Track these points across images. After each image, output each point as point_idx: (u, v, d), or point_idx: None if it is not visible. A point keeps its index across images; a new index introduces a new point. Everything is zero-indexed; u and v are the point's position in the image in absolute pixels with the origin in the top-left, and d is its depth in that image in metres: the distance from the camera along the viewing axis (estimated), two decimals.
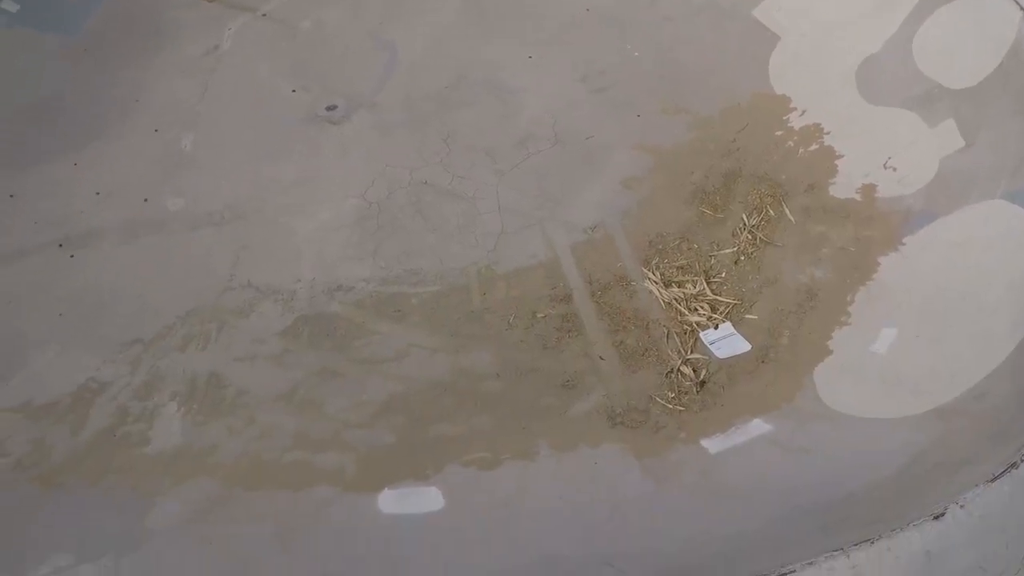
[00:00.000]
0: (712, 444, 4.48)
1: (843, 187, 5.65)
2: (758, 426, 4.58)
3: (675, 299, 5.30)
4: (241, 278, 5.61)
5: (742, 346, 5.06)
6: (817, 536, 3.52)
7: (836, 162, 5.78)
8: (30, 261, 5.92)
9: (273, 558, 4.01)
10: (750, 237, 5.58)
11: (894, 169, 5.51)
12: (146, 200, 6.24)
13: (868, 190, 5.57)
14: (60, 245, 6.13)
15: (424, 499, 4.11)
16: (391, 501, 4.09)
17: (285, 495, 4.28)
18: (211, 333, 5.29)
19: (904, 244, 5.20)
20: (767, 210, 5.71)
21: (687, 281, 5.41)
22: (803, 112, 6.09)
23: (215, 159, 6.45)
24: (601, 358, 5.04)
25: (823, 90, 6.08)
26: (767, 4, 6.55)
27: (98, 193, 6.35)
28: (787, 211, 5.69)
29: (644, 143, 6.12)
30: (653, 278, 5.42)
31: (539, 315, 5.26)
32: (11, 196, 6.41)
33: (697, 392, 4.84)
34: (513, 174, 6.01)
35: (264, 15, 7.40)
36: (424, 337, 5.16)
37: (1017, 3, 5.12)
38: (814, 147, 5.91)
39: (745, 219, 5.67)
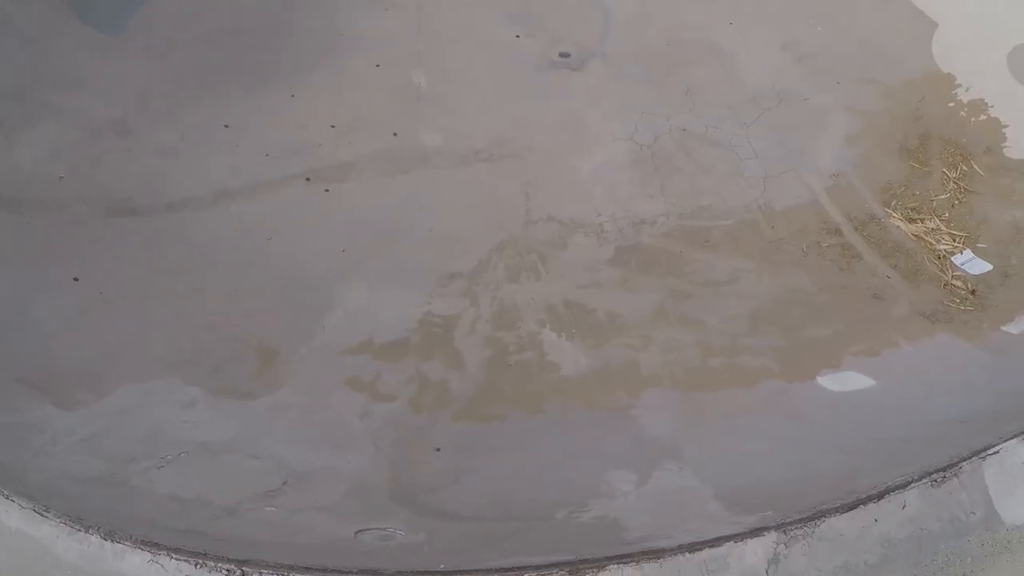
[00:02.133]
0: (1013, 328, 5.66)
1: (1015, 149, 7.06)
2: None
3: (922, 233, 6.45)
4: (539, 212, 6.06)
5: (985, 266, 6.30)
6: None
7: (1004, 130, 7.19)
8: (280, 194, 6.04)
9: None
10: (956, 186, 6.86)
11: None
12: (396, 135, 6.48)
13: None
14: (308, 179, 6.27)
15: (855, 380, 4.93)
16: (832, 382, 4.87)
17: (737, 391, 4.90)
18: (536, 264, 5.72)
19: None
20: (961, 166, 7.02)
21: (924, 219, 6.58)
22: (967, 88, 7.48)
23: (459, 98, 6.82)
24: (888, 276, 6.07)
25: (981, 70, 7.50)
26: None
27: (333, 126, 6.51)
28: (975, 167, 7.02)
29: (853, 106, 7.25)
30: (897, 217, 6.54)
31: (823, 245, 6.21)
32: (225, 126, 6.45)
33: (974, 297, 6.01)
34: (756, 126, 6.90)
35: None
36: (743, 262, 5.93)
37: None
38: (983, 117, 7.29)
39: (947, 172, 6.95)
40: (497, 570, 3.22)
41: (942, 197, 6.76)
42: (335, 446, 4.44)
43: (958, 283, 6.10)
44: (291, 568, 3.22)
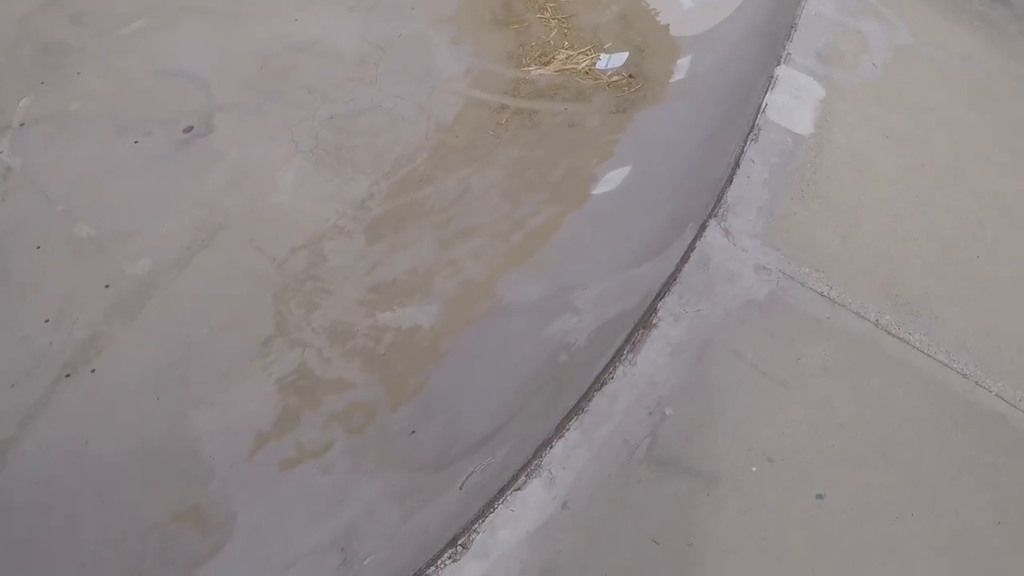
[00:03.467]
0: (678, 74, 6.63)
1: None
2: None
3: (561, 67, 7.27)
4: (279, 253, 6.06)
5: (622, 56, 7.26)
6: None
7: None
8: (54, 404, 5.48)
9: None
10: (555, 22, 7.78)
11: None
12: (107, 286, 6.15)
13: None
14: (68, 375, 5.83)
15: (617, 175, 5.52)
16: (604, 186, 5.43)
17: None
18: (318, 288, 5.73)
19: None
20: (547, 5, 7.97)
21: (554, 56, 7.41)
22: None
23: (131, 218, 6.61)
24: (566, 109, 6.79)
25: None
26: None
27: (47, 321, 6.07)
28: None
29: (435, 17, 7.91)
30: (534, 68, 7.30)
31: (503, 122, 6.79)
32: None
33: (634, 78, 6.92)
34: (380, 80, 7.30)
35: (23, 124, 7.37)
36: (461, 173, 6.33)
37: None
38: None
39: (540, 15, 7.85)
40: None
41: (553, 34, 7.60)
42: None
43: (616, 78, 6.95)
44: None
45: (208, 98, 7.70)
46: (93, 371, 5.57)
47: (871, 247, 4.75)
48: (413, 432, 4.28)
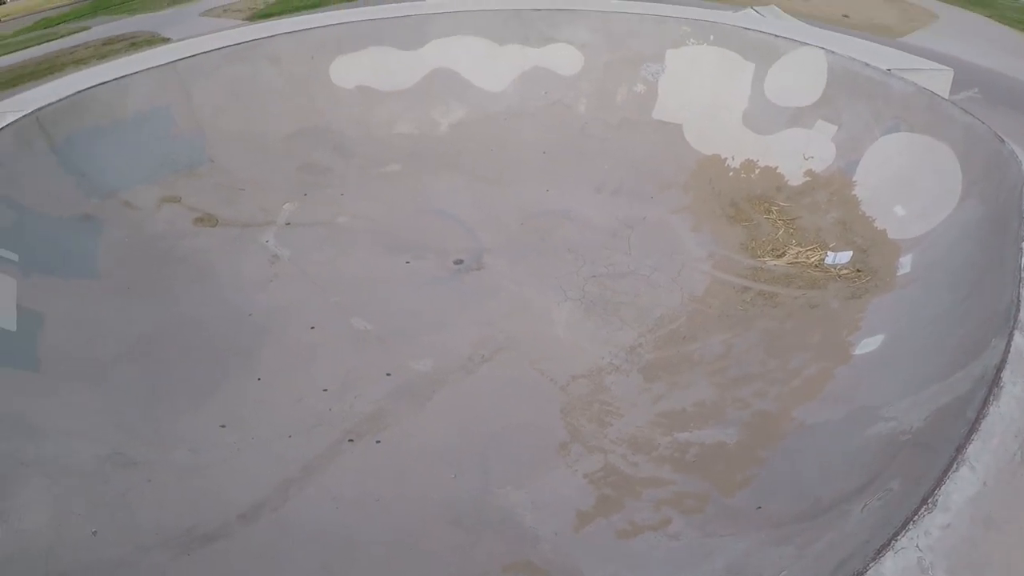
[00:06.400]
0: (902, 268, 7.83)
1: (792, 177, 9.70)
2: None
3: (792, 259, 8.63)
4: (562, 377, 7.21)
5: (847, 254, 8.57)
6: None
7: (776, 170, 9.84)
8: (338, 462, 6.25)
9: None
10: (781, 223, 9.24)
11: (812, 156, 9.76)
12: (389, 374, 7.40)
13: (808, 173, 9.71)
14: (351, 440, 6.76)
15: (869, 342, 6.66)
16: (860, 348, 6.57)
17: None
18: (606, 410, 6.85)
19: (855, 182, 9.40)
20: (771, 208, 9.47)
21: (784, 251, 8.79)
22: (732, 156, 10.11)
23: (409, 326, 7.97)
24: (803, 295, 8.05)
25: (733, 140, 10.20)
26: (659, 110, 10.64)
27: (326, 390, 7.16)
28: (780, 203, 9.51)
29: (676, 207, 9.46)
30: (769, 260, 8.68)
31: (747, 300, 8.07)
32: (222, 426, 6.81)
33: (861, 272, 8.16)
34: (634, 251, 8.74)
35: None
36: (720, 335, 7.54)
37: (823, 48, 9.97)
38: (756, 171, 9.91)
39: (767, 217, 9.33)
40: None
41: (780, 232, 9.02)
42: None
43: (846, 272, 8.24)
44: None
45: (474, 240, 9.24)
46: (378, 442, 6.66)
47: None
48: (759, 507, 5.21)
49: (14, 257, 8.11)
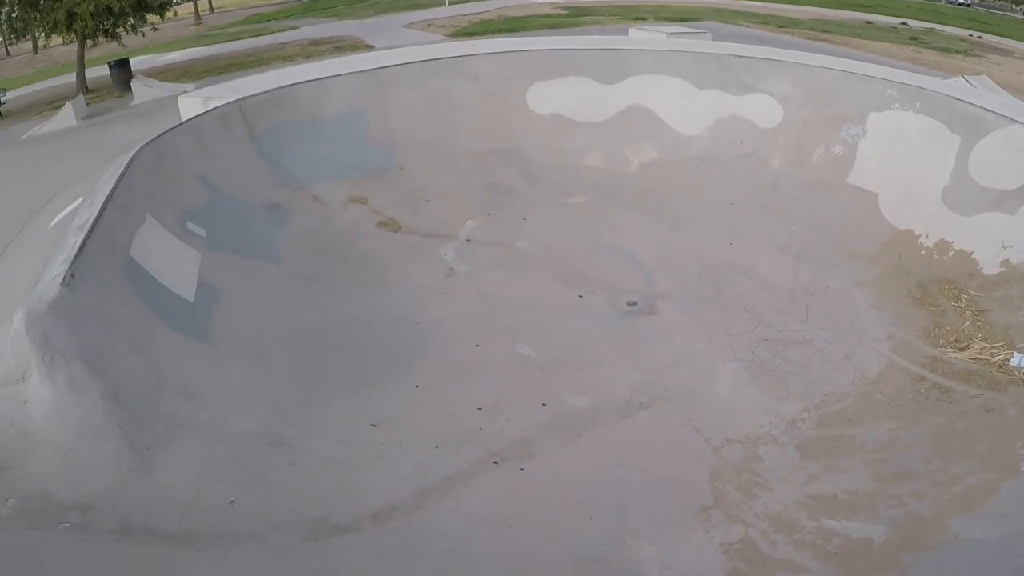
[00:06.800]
0: None
1: (988, 266, 9.37)
2: None
3: (976, 355, 8.38)
4: (716, 439, 7.34)
5: None
6: None
7: (971, 255, 9.53)
8: (479, 482, 6.52)
9: None
10: (969, 312, 8.97)
11: (1011, 246, 9.38)
12: (545, 404, 7.69)
13: (1005, 263, 9.36)
14: (495, 462, 7.08)
15: None
16: None
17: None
18: (754, 480, 6.96)
19: None
20: (961, 296, 9.20)
21: (969, 344, 8.55)
22: (927, 235, 9.87)
23: (572, 359, 8.29)
24: (981, 395, 7.83)
25: (929, 216, 9.95)
26: (855, 175, 10.52)
27: (480, 408, 7.49)
28: (971, 292, 9.23)
29: (861, 280, 9.36)
30: (951, 351, 8.46)
31: (921, 391, 7.93)
32: (373, 425, 7.28)
33: None
34: (810, 320, 8.74)
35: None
36: (886, 424, 7.48)
37: None
38: (951, 252, 9.64)
39: (955, 305, 9.08)
40: None
41: (967, 324, 8.78)
42: None
43: None
44: None
45: (650, 283, 9.50)
46: (522, 469, 6.89)
47: None
48: None
49: (202, 232, 8.97)
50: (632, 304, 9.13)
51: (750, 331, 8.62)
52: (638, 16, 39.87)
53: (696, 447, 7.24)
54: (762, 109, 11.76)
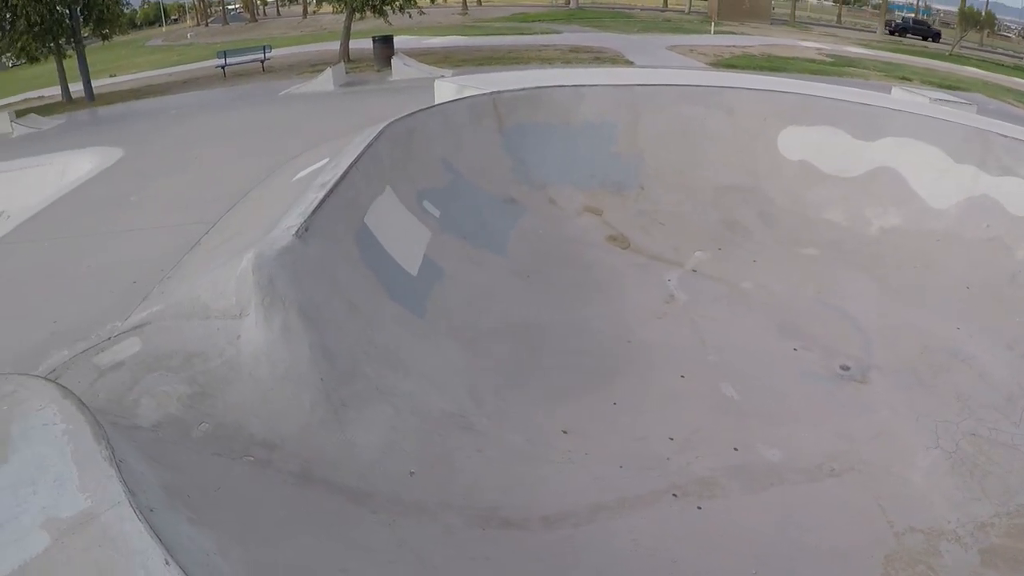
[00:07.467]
0: None
1: None
2: None
3: None
4: (900, 523, 7.44)
5: None
6: None
7: None
8: (655, 511, 6.81)
9: None
10: None
11: None
12: (736, 449, 7.94)
13: None
14: (674, 495, 7.26)
15: None
16: None
17: None
18: (928, 573, 7.19)
19: None
20: None
21: None
22: None
23: (773, 411, 8.53)
24: None
25: None
26: None
27: (672, 439, 7.88)
28: None
29: None
30: None
31: None
32: (564, 432, 7.72)
33: None
34: (1022, 424, 8.71)
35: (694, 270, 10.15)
36: None
37: None
38: None
39: None
40: None
41: None
42: None
43: None
44: None
45: (867, 351, 9.68)
46: (699, 508, 7.09)
47: None
48: None
49: (436, 213, 9.77)
50: (845, 368, 9.40)
51: (959, 422, 8.69)
52: (904, 76, 38.28)
53: (878, 527, 7.40)
54: (1017, 194, 11.44)
